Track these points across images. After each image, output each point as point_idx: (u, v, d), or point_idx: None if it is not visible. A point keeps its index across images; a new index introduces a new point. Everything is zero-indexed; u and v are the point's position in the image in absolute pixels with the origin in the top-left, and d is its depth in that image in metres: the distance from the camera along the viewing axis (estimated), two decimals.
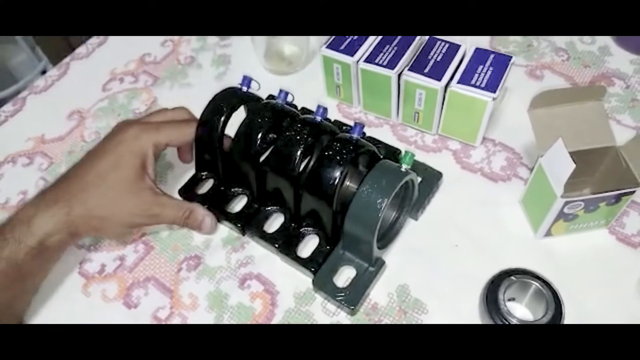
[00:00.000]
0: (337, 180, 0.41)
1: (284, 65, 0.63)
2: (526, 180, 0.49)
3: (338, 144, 0.43)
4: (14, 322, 0.44)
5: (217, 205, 0.50)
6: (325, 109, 0.45)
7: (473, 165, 0.52)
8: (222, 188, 0.51)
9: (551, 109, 0.44)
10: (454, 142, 0.54)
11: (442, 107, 0.51)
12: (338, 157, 0.42)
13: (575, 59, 0.60)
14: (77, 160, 0.46)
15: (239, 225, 0.48)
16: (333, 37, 0.54)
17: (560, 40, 0.62)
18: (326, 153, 0.42)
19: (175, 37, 0.69)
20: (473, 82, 0.48)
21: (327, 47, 0.54)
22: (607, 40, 0.61)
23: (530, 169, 0.50)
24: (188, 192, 0.51)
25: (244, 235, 0.49)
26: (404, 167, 0.42)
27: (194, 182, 0.52)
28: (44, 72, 1.41)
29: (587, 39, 0.62)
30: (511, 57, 0.50)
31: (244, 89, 0.49)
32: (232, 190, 0.51)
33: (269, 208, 0.49)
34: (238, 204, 0.51)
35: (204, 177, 0.52)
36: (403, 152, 0.41)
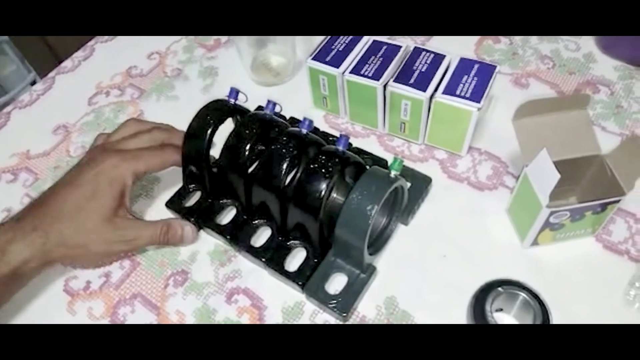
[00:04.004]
0: (323, 193, 0.41)
1: (271, 77, 0.63)
2: (512, 189, 0.49)
3: (324, 157, 0.42)
4: None
5: (204, 217, 0.49)
6: (310, 122, 0.45)
7: (459, 175, 0.52)
8: (210, 200, 0.51)
9: (535, 119, 0.44)
10: (440, 151, 0.54)
11: (427, 117, 0.51)
12: (324, 170, 0.42)
13: (560, 66, 0.60)
14: (62, 176, 0.45)
15: (227, 237, 0.48)
16: (319, 48, 0.54)
17: (546, 48, 0.62)
18: (312, 166, 0.42)
19: (162, 50, 0.69)
20: (458, 92, 0.48)
21: (313, 58, 0.54)
22: (591, 47, 0.62)
23: (516, 178, 0.50)
24: (175, 204, 0.51)
25: (236, 245, 0.48)
26: (393, 173, 0.42)
27: (181, 194, 0.52)
28: (33, 83, 1.41)
29: (572, 46, 0.62)
30: (495, 66, 0.50)
31: (232, 101, 0.49)
32: (220, 202, 0.50)
33: (257, 221, 0.49)
34: (226, 216, 0.50)
35: (191, 189, 0.52)
36: (392, 159, 0.42)
